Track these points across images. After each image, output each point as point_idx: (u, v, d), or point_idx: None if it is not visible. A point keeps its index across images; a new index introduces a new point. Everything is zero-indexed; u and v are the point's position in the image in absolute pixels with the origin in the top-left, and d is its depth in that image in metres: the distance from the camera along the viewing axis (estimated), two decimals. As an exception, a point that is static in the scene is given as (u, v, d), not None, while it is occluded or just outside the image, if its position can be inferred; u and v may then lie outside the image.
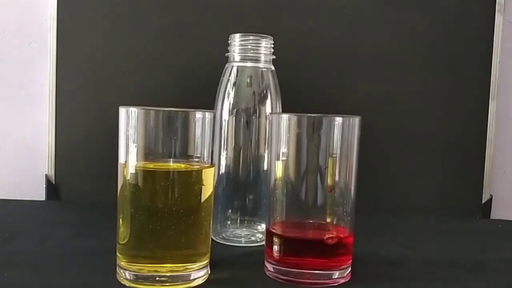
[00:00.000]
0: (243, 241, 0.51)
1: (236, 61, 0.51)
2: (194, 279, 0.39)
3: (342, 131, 0.40)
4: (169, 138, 0.38)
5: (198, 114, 0.39)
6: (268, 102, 0.51)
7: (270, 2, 0.69)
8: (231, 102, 0.51)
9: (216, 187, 0.52)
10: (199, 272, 0.39)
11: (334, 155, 0.40)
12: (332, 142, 0.40)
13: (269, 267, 0.41)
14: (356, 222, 0.42)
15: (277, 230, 0.41)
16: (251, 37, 0.51)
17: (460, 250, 0.53)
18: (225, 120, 0.51)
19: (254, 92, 0.51)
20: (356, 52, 0.70)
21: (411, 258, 0.48)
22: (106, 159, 0.71)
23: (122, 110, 0.39)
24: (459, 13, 0.70)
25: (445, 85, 0.71)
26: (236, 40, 0.51)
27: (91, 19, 0.68)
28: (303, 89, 0.69)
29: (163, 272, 0.38)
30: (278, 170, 0.41)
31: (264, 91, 0.51)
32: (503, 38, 0.71)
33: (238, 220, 0.52)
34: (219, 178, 0.51)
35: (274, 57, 0.52)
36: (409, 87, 0.71)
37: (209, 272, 0.41)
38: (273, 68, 0.52)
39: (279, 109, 0.52)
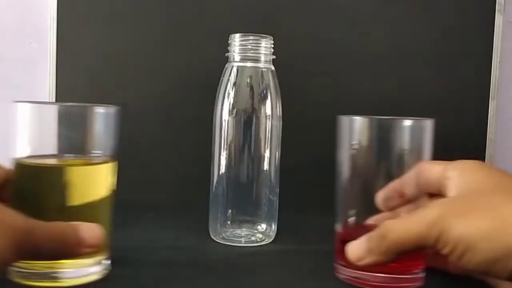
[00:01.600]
0: (243, 241, 0.51)
1: (236, 61, 0.51)
2: (89, 275, 0.38)
3: (413, 134, 0.40)
4: (67, 134, 0.38)
5: (98, 110, 0.38)
6: (268, 102, 0.51)
7: (270, 2, 0.69)
8: (231, 102, 0.51)
9: (216, 187, 0.52)
10: (94, 267, 0.39)
11: (405, 159, 0.39)
12: (402, 146, 0.39)
13: (341, 269, 0.41)
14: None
15: (350, 233, 0.40)
16: (251, 37, 0.51)
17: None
18: (225, 120, 0.51)
19: (254, 92, 0.51)
20: (356, 52, 0.70)
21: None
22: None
23: (17, 105, 0.37)
24: (459, 13, 0.70)
25: (445, 85, 0.71)
26: (236, 40, 0.51)
27: (91, 19, 0.68)
28: (303, 89, 0.69)
29: (57, 268, 0.37)
30: (349, 174, 0.41)
31: (264, 91, 0.51)
32: (503, 38, 0.71)
33: (238, 220, 0.52)
34: (219, 178, 0.51)
35: (274, 57, 0.52)
36: (409, 87, 0.71)
37: (110, 267, 0.40)
38: (273, 68, 0.52)
39: (279, 109, 0.52)
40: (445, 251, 0.34)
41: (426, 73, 0.71)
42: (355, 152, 0.40)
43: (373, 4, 0.70)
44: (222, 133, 0.51)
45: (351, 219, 0.41)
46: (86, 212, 0.38)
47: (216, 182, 0.52)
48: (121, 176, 0.69)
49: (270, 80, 0.52)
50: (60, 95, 0.68)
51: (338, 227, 0.42)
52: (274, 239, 0.52)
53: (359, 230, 0.39)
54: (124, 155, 0.69)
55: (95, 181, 0.39)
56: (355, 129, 0.40)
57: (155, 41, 0.69)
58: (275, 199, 0.52)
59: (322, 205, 0.69)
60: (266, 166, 0.51)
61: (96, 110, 0.38)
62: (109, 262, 0.40)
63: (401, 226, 0.35)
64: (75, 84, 0.68)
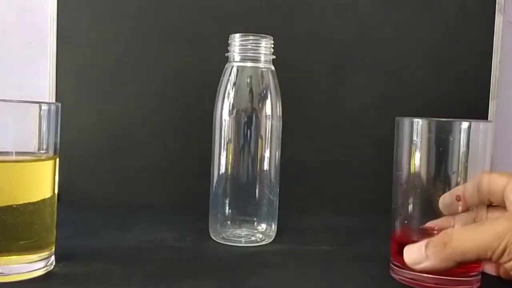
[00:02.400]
0: (243, 241, 0.51)
1: (236, 61, 0.51)
2: (33, 271, 0.38)
3: (474, 136, 0.40)
4: (6, 130, 0.38)
5: (37, 106, 0.39)
6: (268, 102, 0.51)
7: (270, 2, 0.69)
8: (231, 102, 0.51)
9: (216, 187, 0.52)
10: (38, 263, 0.39)
11: (464, 162, 0.39)
12: (462, 148, 0.39)
13: (396, 270, 0.41)
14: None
15: (405, 235, 0.40)
16: (251, 37, 0.51)
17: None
18: (225, 120, 0.51)
19: (254, 92, 0.51)
20: (356, 52, 0.70)
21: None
22: (106, 159, 0.71)
23: None
24: (459, 13, 0.70)
25: (445, 85, 0.71)
26: (236, 40, 0.51)
27: (91, 19, 0.68)
28: (303, 89, 0.69)
29: (1, 264, 0.37)
30: (407, 176, 0.41)
31: (264, 91, 0.51)
32: (503, 38, 0.71)
33: (238, 220, 0.52)
34: (219, 178, 0.51)
35: (274, 57, 0.52)
36: (409, 87, 0.71)
37: (54, 263, 0.40)
38: (273, 68, 0.52)
39: (279, 109, 0.52)
40: (509, 264, 0.34)
41: (426, 73, 0.71)
42: (413, 154, 0.40)
43: (373, 4, 0.70)
44: (222, 133, 0.51)
45: (407, 221, 0.41)
46: (30, 208, 0.38)
47: (216, 182, 0.52)
48: (121, 176, 0.70)
49: (270, 80, 0.52)
50: (60, 95, 0.68)
51: (395, 228, 0.42)
52: (274, 239, 0.52)
53: (416, 232, 0.39)
54: (124, 155, 0.69)
55: (38, 177, 0.39)
56: (415, 130, 0.40)
57: (155, 41, 0.69)
58: (275, 199, 0.52)
59: (322, 205, 0.69)
60: (266, 166, 0.51)
61: (37, 107, 0.39)
62: (53, 258, 0.40)
63: (465, 235, 0.35)
64: (75, 84, 0.68)
